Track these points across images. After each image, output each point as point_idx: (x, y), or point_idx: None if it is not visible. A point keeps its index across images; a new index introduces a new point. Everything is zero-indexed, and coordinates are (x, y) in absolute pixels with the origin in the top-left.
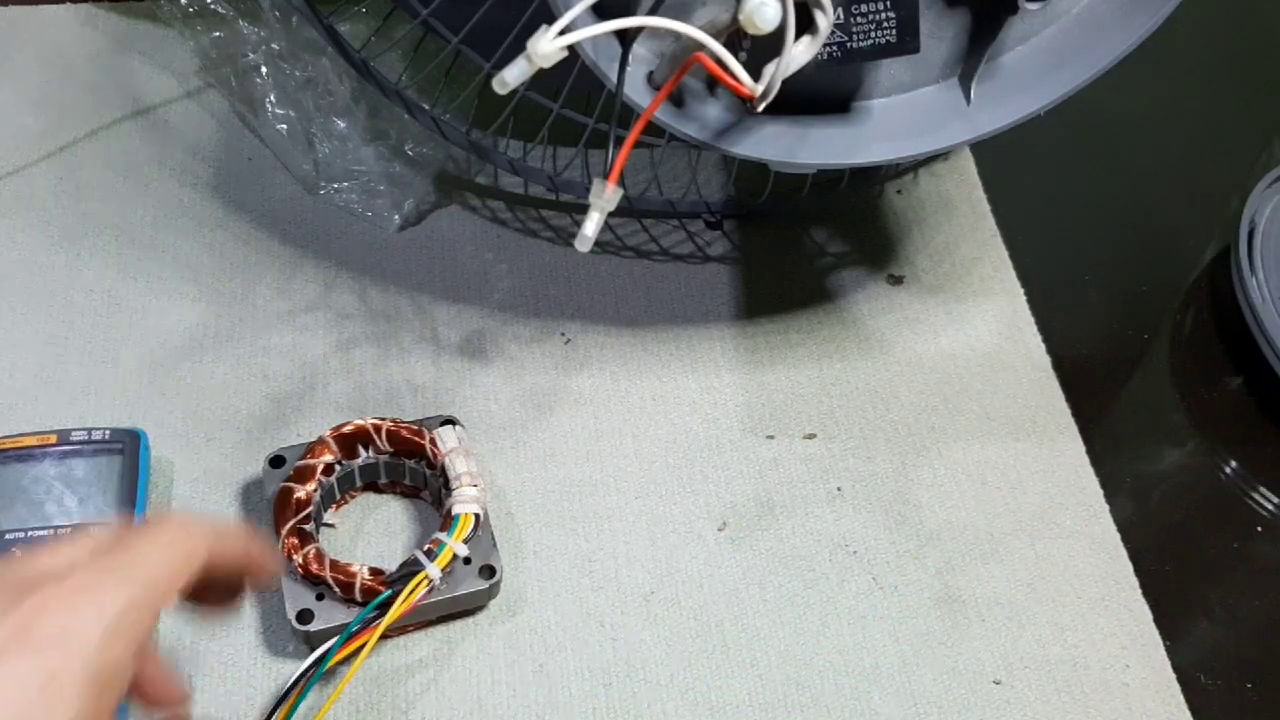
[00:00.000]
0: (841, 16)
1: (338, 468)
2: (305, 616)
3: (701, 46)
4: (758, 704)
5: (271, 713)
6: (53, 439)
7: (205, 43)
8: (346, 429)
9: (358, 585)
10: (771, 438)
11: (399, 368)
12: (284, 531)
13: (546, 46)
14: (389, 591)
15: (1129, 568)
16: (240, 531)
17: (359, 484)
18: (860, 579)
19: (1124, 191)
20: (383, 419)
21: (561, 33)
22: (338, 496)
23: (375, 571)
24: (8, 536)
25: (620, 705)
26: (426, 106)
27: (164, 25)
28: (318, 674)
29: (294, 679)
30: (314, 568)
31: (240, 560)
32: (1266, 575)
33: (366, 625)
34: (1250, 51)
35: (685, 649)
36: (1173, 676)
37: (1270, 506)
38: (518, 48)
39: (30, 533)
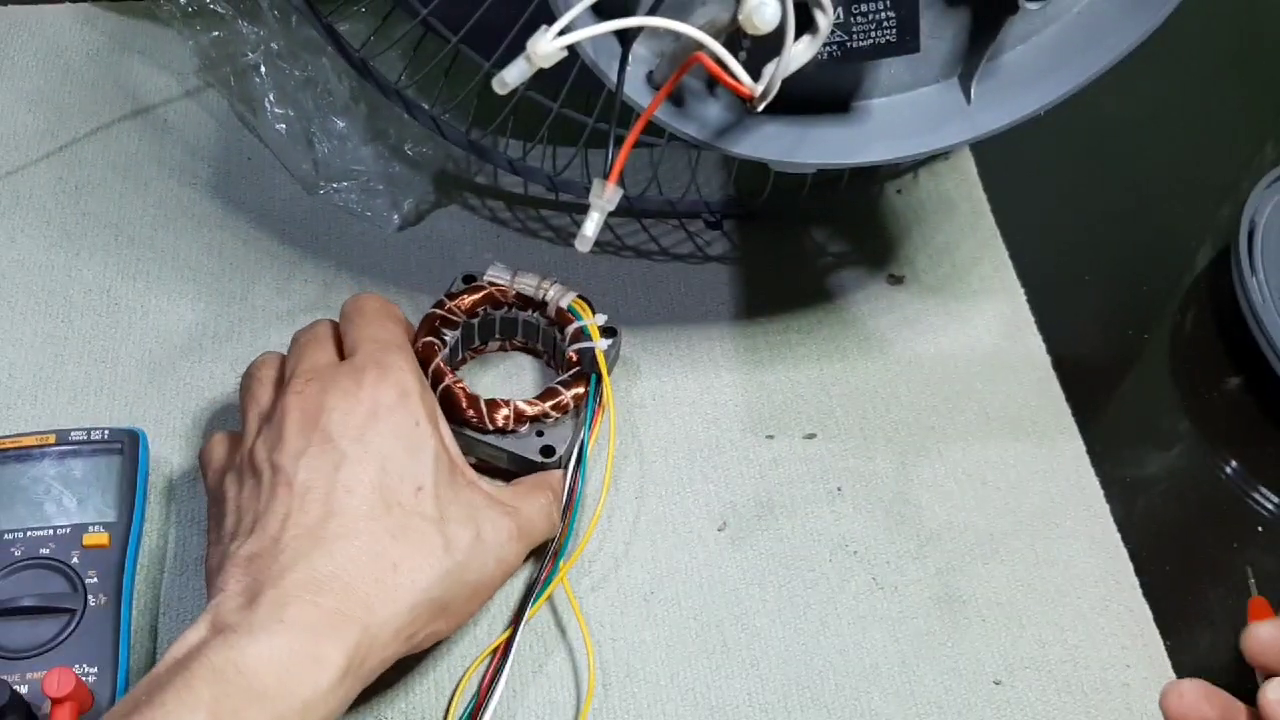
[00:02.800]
0: (841, 16)
1: (461, 325)
2: (547, 452)
3: (701, 46)
4: (758, 704)
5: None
6: (51, 439)
7: (204, 42)
8: (470, 295)
9: (507, 413)
10: (771, 438)
11: None
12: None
13: (546, 46)
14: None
15: (1129, 568)
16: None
17: (477, 341)
18: (860, 579)
19: (1124, 191)
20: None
21: (561, 32)
22: (460, 355)
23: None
24: (6, 537)
25: (620, 706)
26: (426, 106)
27: (163, 25)
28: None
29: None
30: (469, 415)
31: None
32: (1267, 575)
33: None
34: (1250, 51)
35: (685, 649)
36: (1173, 676)
37: (1270, 506)
38: (517, 47)
39: (29, 533)
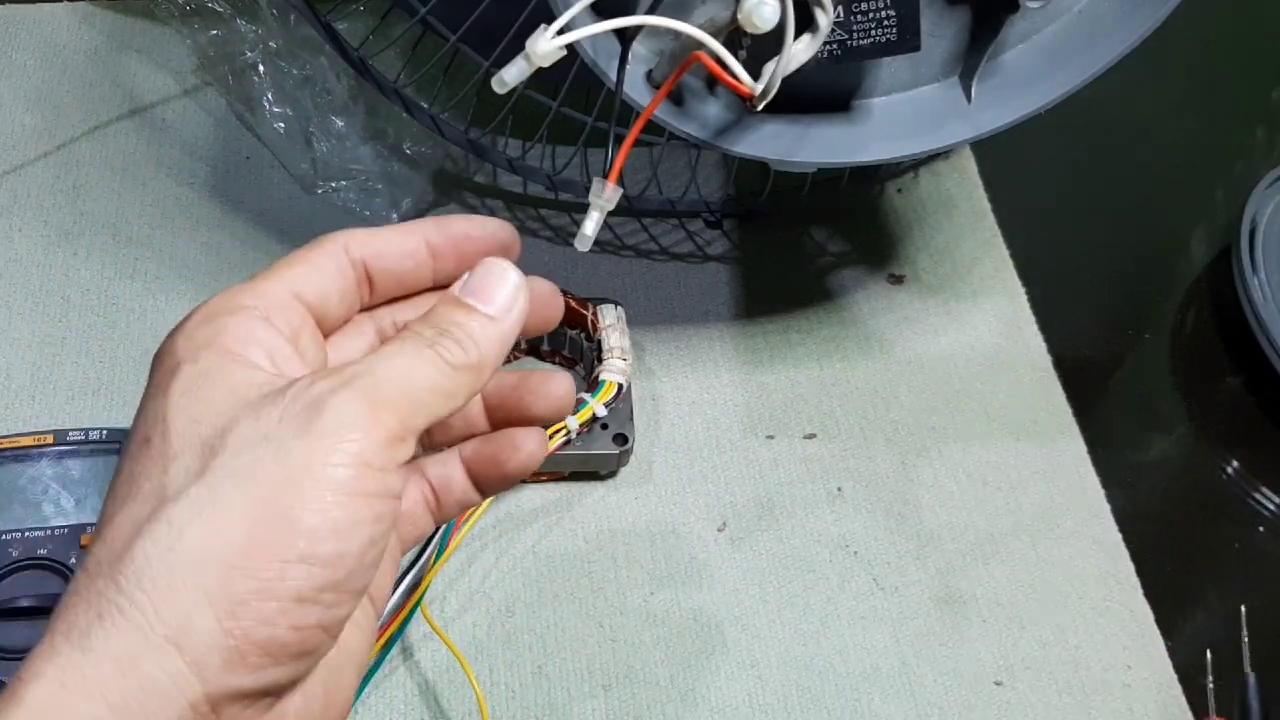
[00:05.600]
0: (842, 15)
1: None
2: None
3: (701, 45)
4: (757, 705)
5: (426, 544)
6: (49, 439)
7: (202, 41)
8: None
9: None
10: (771, 438)
11: None
12: None
13: (545, 46)
14: None
15: (1130, 568)
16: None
17: (523, 345)
18: (860, 579)
19: (1124, 191)
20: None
21: (560, 31)
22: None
23: None
24: (4, 537)
25: (620, 706)
26: (425, 105)
27: (161, 23)
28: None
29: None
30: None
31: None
32: (1268, 575)
33: None
34: (1250, 51)
35: (685, 650)
36: (1174, 677)
37: (1271, 506)
38: (516, 46)
39: (27, 533)
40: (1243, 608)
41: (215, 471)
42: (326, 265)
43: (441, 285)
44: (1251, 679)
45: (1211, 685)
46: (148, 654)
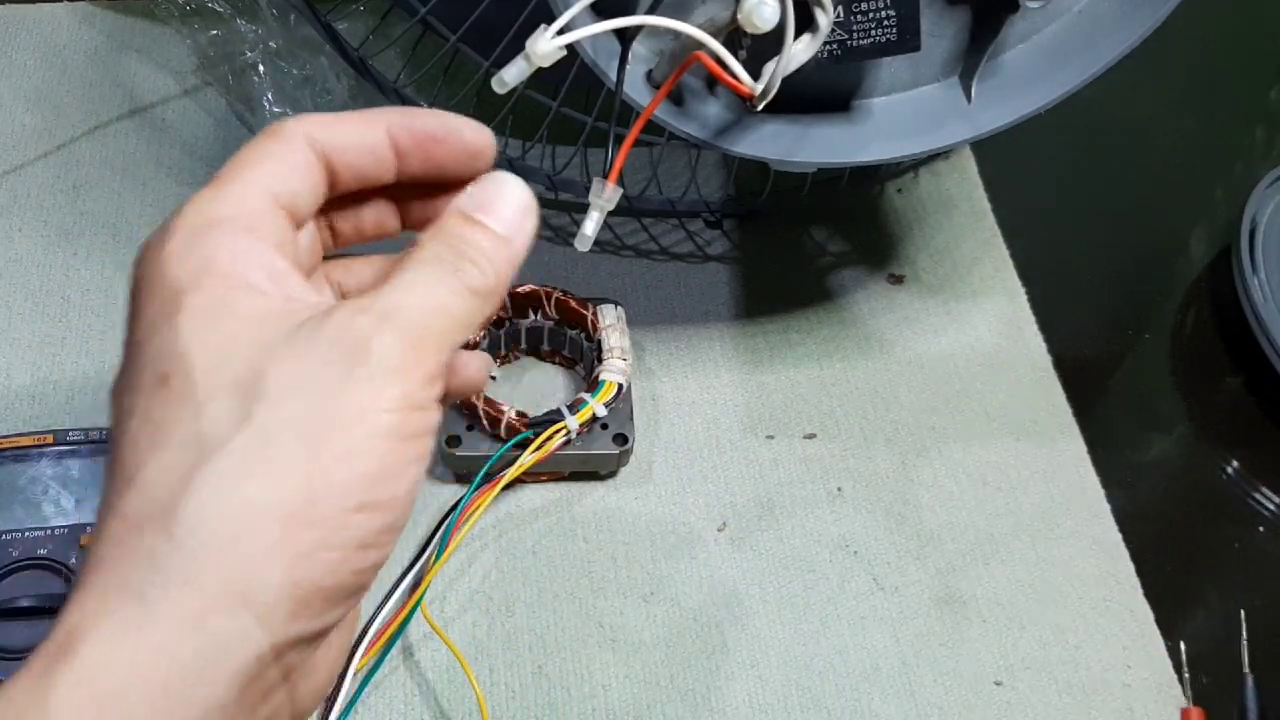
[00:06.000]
0: (842, 15)
1: (507, 323)
2: (453, 441)
3: (701, 45)
4: (757, 705)
5: (426, 543)
6: (49, 439)
7: (202, 41)
8: (522, 289)
9: (504, 421)
10: (771, 438)
11: None
12: None
13: (545, 46)
14: (529, 433)
15: (1130, 568)
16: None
17: (524, 344)
18: (860, 580)
19: (1124, 191)
20: (555, 287)
21: (560, 31)
22: (502, 350)
23: (522, 414)
24: (4, 537)
25: (619, 707)
26: (425, 105)
27: (161, 23)
28: (462, 502)
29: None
30: (470, 399)
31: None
32: (1268, 575)
33: (505, 461)
34: (1250, 51)
35: (685, 650)
36: (1174, 677)
37: (1271, 506)
38: (516, 46)
39: (26, 533)
40: (1242, 611)
41: (263, 418)
42: (295, 160)
43: (402, 186)
44: (1249, 680)
45: (1188, 676)
46: (214, 611)
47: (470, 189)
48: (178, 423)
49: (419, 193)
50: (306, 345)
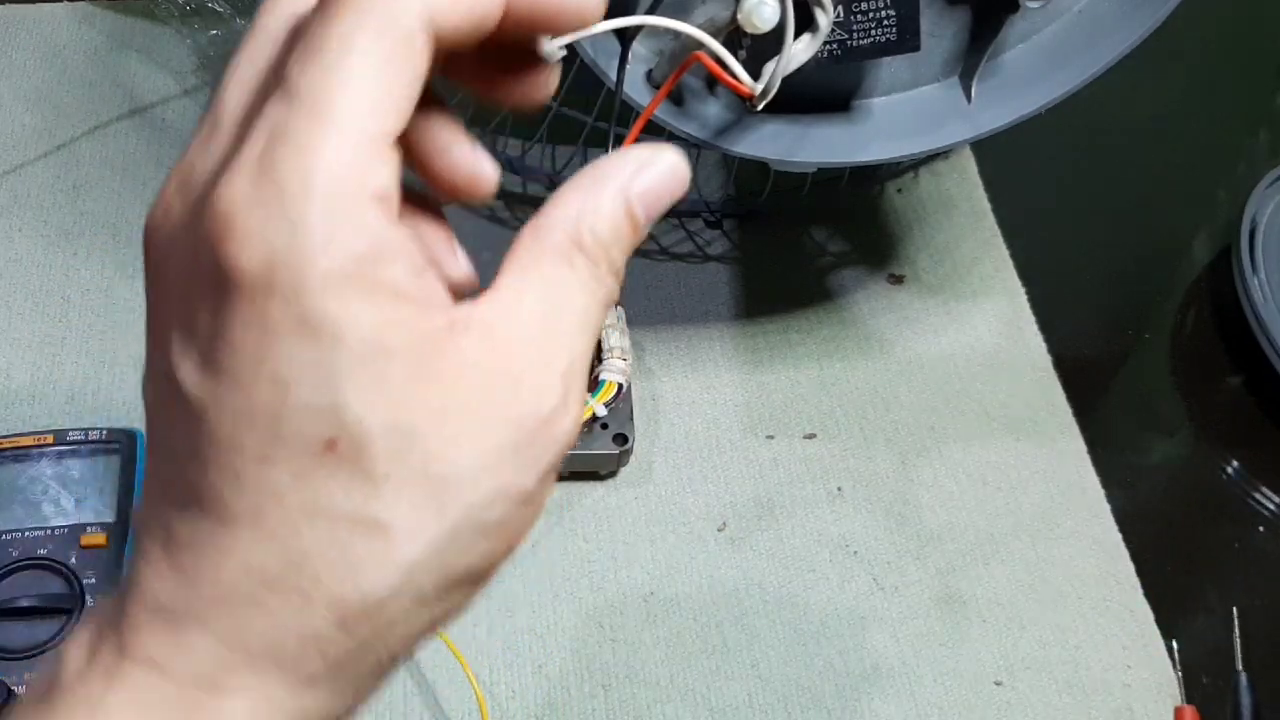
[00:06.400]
0: (842, 15)
1: None
2: None
3: (701, 45)
4: (757, 705)
5: None
6: (49, 439)
7: (203, 41)
8: None
9: None
10: (771, 438)
11: None
12: None
13: (546, 45)
14: None
15: (1130, 568)
16: None
17: None
18: (860, 580)
19: (1124, 191)
20: None
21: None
22: None
23: None
24: (4, 537)
25: (619, 706)
26: None
27: (161, 23)
28: None
29: None
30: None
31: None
32: (1268, 575)
33: None
34: (1250, 52)
35: (685, 650)
36: (1174, 677)
37: (1271, 506)
38: None
39: (26, 533)
40: (1234, 608)
41: (455, 519)
42: (404, 71)
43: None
44: (1243, 678)
45: (1181, 675)
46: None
47: (639, 171)
48: (341, 494)
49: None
50: (481, 419)
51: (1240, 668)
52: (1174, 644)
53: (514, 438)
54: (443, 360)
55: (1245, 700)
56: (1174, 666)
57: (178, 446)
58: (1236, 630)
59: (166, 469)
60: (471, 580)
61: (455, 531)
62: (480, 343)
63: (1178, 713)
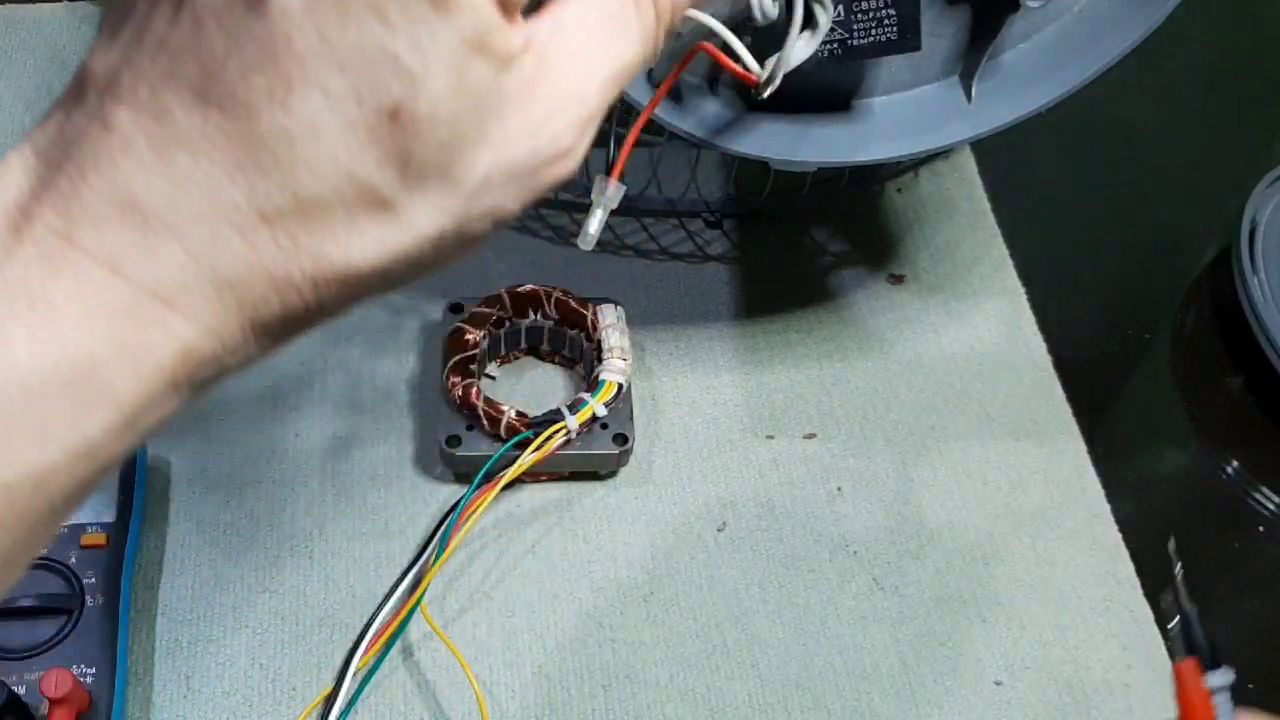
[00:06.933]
0: (842, 14)
1: (507, 323)
2: (453, 442)
3: (710, 32)
4: (757, 705)
5: (426, 543)
6: None
7: None
8: (522, 289)
9: (504, 421)
10: (771, 438)
11: (393, 366)
12: (450, 365)
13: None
14: (529, 432)
15: (1130, 568)
16: None
17: (524, 344)
18: (860, 579)
19: (1124, 191)
20: (555, 287)
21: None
22: (502, 351)
23: (521, 414)
24: None
25: (619, 707)
26: None
27: None
28: (462, 502)
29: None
30: (470, 399)
31: None
32: (1268, 575)
33: (505, 461)
34: (1250, 52)
35: (685, 650)
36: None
37: (1271, 506)
38: None
39: None
40: (1171, 539)
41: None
42: None
43: None
44: (1194, 613)
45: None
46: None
47: None
48: (376, 174)
49: None
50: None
51: (1188, 604)
52: (1160, 603)
53: (526, 164)
54: (510, 76)
55: (1198, 631)
56: (1168, 633)
57: (212, 35)
58: (1177, 567)
59: (186, 55)
60: (399, 283)
61: (440, 237)
62: (537, 67)
63: (1177, 670)
